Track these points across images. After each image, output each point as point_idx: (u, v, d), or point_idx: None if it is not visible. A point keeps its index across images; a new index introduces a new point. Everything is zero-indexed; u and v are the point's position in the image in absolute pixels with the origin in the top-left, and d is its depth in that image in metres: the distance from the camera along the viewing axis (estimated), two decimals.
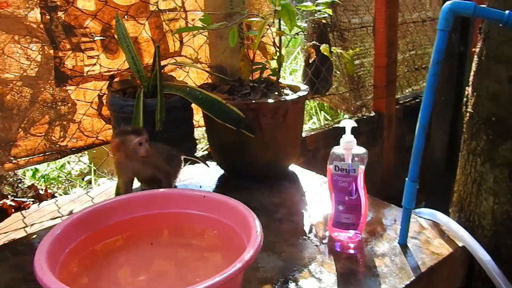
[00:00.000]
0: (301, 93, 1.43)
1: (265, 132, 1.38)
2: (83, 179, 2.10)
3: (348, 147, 1.06)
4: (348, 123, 1.06)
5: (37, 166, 2.69)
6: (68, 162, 2.91)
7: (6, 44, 1.20)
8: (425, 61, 2.77)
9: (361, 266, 1.01)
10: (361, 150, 1.07)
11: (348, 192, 1.06)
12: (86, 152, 2.16)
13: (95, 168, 2.19)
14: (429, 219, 1.20)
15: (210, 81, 1.68)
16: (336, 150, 1.08)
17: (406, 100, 2.63)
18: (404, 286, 0.93)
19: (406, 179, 1.05)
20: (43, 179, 2.34)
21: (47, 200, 1.44)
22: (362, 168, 1.06)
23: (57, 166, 2.74)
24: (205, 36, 1.61)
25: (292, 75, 3.24)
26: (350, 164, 1.05)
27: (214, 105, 1.30)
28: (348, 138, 1.06)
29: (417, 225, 1.18)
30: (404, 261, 1.02)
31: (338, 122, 2.38)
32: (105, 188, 1.52)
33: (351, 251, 1.07)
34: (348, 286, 0.93)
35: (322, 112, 2.80)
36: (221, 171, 1.57)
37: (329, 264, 1.02)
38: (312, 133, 2.10)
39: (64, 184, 2.16)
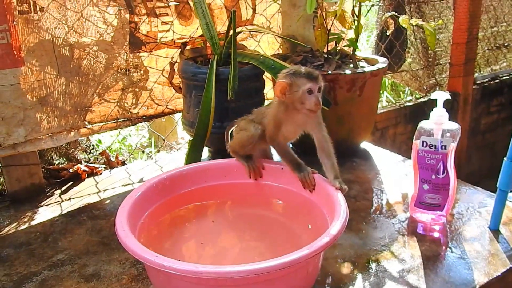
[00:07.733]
0: (380, 65, 1.35)
1: (340, 105, 1.31)
2: (143, 151, 2.14)
3: (439, 121, 0.97)
4: (440, 95, 0.97)
5: (100, 138, 2.78)
6: (129, 135, 2.98)
7: (85, 7, 1.19)
8: (508, 39, 2.55)
9: (449, 250, 0.93)
10: (454, 125, 0.97)
11: (435, 171, 0.98)
12: (146, 126, 2.17)
13: (162, 138, 2.21)
14: None
15: (281, 51, 1.62)
16: (424, 124, 0.99)
17: (485, 81, 2.45)
18: (500, 274, 0.85)
19: (505, 158, 0.94)
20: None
21: (117, 167, 1.46)
22: (453, 145, 0.97)
23: (119, 139, 2.81)
24: (278, 4, 1.55)
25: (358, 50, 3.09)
26: (440, 140, 0.96)
27: None
28: (439, 112, 0.96)
29: (508, 209, 1.07)
30: (497, 248, 0.93)
31: (409, 101, 2.26)
32: (173, 158, 1.52)
33: (436, 234, 1.00)
34: (436, 270, 0.86)
35: (385, 93, 2.67)
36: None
37: (412, 245, 0.95)
38: (382, 111, 2.00)
39: (125, 156, 2.20)
